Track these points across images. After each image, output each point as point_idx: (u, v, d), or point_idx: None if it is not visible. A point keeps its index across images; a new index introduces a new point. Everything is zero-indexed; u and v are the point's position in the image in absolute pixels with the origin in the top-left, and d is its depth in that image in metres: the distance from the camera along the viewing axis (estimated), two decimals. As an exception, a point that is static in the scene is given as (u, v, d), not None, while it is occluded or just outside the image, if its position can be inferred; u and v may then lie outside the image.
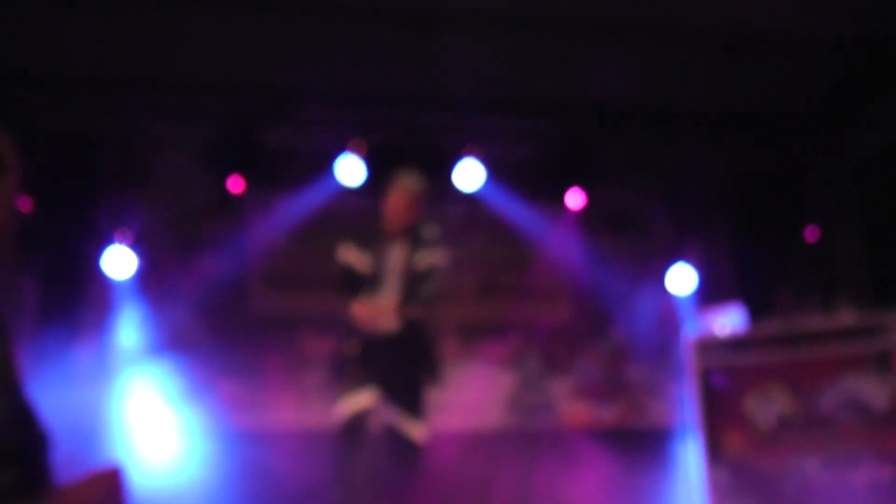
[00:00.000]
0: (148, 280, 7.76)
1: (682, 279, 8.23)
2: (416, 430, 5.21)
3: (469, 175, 7.83)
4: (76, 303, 7.68)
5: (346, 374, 5.25)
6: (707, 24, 6.87)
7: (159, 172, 7.88)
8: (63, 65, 7.31)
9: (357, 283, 5.35)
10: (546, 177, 8.18)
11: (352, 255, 5.46)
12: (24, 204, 7.25)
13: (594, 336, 8.44)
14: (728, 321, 6.93)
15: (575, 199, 8.11)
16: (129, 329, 7.69)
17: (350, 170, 7.61)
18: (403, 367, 5.24)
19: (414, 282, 5.32)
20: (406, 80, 7.45)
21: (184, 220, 7.97)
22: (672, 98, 7.94)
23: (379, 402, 5.20)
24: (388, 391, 5.18)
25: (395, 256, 5.38)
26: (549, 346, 8.37)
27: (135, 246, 7.60)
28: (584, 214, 8.35)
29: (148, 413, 7.46)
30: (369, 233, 5.50)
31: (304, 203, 7.81)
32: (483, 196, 8.09)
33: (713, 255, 8.39)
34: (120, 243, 7.53)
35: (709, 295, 7.99)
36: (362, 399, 5.19)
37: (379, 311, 5.21)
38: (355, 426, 5.16)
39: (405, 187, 5.43)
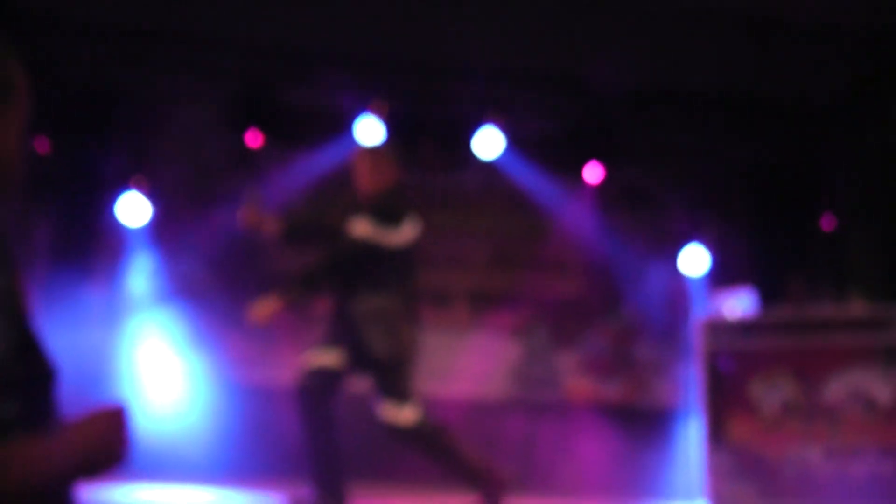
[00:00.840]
0: (162, 230, 7.86)
1: (695, 260, 8.25)
2: (403, 415, 4.86)
3: (488, 143, 7.85)
4: (89, 247, 7.81)
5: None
6: (735, 7, 6.81)
7: (177, 125, 7.93)
8: (86, 14, 7.32)
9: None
10: (565, 150, 8.18)
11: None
12: (42, 145, 7.38)
13: (604, 312, 8.47)
14: (738, 305, 6.92)
15: (593, 173, 8.14)
16: (140, 276, 7.82)
17: (369, 130, 7.61)
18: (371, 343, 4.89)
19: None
20: (429, 46, 7.44)
21: (200, 172, 8.05)
22: (695, 80, 7.89)
23: (348, 371, 4.93)
24: (360, 367, 4.93)
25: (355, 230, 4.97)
26: (558, 319, 8.40)
27: (150, 195, 7.70)
28: (601, 190, 8.39)
29: (155, 358, 7.60)
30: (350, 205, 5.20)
31: (321, 161, 7.81)
32: (501, 166, 8.11)
33: (727, 239, 8.39)
34: (135, 191, 7.63)
35: (721, 278, 8.00)
36: (328, 358, 4.93)
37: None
38: (324, 386, 4.87)
39: (365, 150, 5.26)
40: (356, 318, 4.84)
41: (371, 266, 4.91)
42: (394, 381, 4.82)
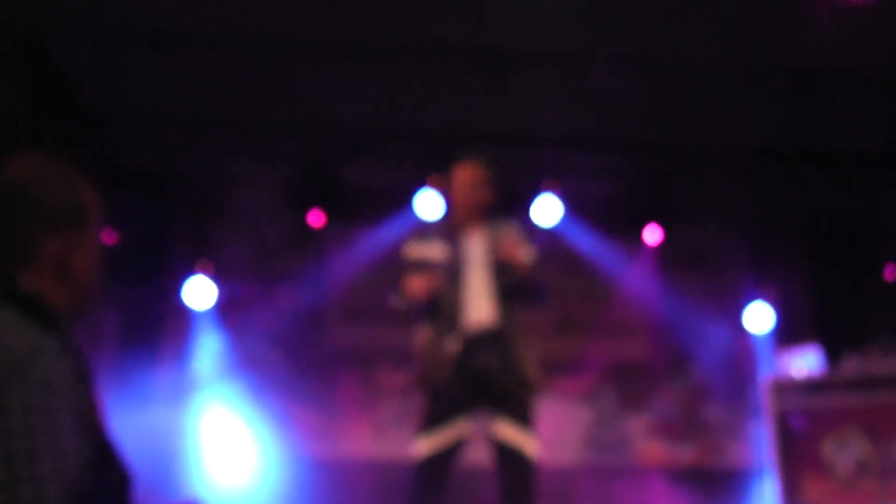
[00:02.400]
0: (227, 311, 8.00)
1: (758, 318, 8.22)
2: (530, 444, 4.47)
3: (546, 210, 7.91)
4: (156, 332, 7.95)
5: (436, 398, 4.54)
6: (783, 61, 6.86)
7: (239, 208, 8.16)
8: (149, 104, 7.53)
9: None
10: (623, 213, 8.23)
11: (420, 249, 4.74)
12: (109, 237, 7.53)
13: (671, 374, 8.46)
14: (805, 362, 6.97)
15: (652, 235, 8.16)
16: (207, 355, 7.95)
17: (429, 204, 7.65)
18: (506, 368, 4.49)
19: (502, 272, 4.53)
20: (482, 117, 7.56)
21: (263, 253, 8.25)
22: (748, 135, 7.93)
23: (473, 427, 4.55)
24: (493, 397, 4.46)
25: (474, 246, 4.65)
26: (625, 383, 8.41)
27: (215, 278, 7.84)
28: (661, 251, 8.43)
29: (224, 436, 7.71)
30: (436, 230, 4.85)
31: (382, 237, 7.86)
32: (560, 232, 8.14)
33: (790, 295, 8.35)
34: (200, 275, 7.79)
35: (786, 335, 8.01)
36: (454, 431, 4.48)
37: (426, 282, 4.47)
38: (441, 464, 4.46)
39: (467, 166, 4.75)
40: (504, 337, 4.52)
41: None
42: (528, 409, 4.54)
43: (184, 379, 7.88)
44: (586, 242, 8.27)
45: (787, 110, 7.45)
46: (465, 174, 4.75)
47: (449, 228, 4.80)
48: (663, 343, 8.46)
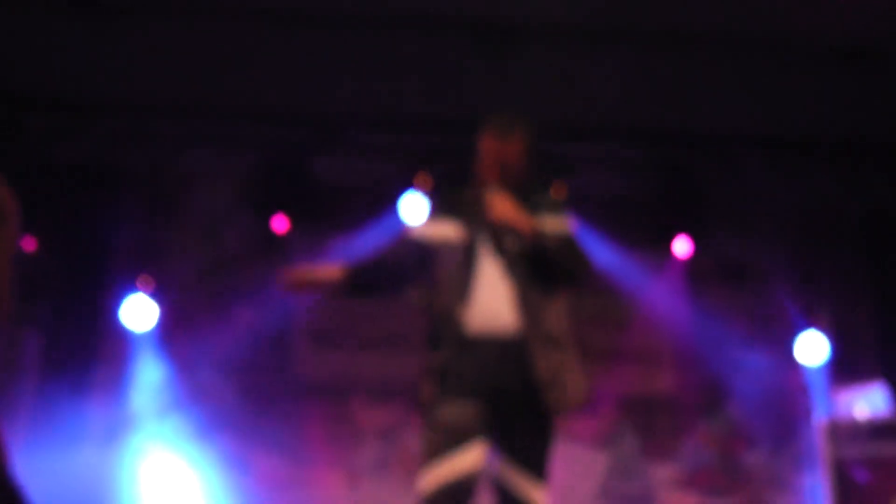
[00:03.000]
0: (173, 333, 7.37)
1: (811, 347, 7.44)
2: (537, 496, 3.61)
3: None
4: (87, 356, 7.25)
5: (434, 413, 3.64)
6: (834, 38, 6.35)
7: (191, 209, 7.61)
8: (84, 88, 7.05)
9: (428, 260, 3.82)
10: (646, 217, 7.68)
11: (427, 227, 3.92)
12: (28, 243, 7.04)
13: (702, 412, 7.68)
14: (869, 402, 6.73)
15: (681, 244, 7.58)
16: (146, 386, 7.28)
17: (416, 207, 7.15)
18: (525, 396, 3.59)
19: (527, 258, 3.68)
20: (478, 101, 6.79)
21: (218, 264, 7.60)
22: (795, 125, 7.32)
23: (487, 454, 3.65)
24: (501, 432, 3.62)
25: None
26: (648, 423, 7.65)
27: (158, 294, 7.24)
28: (692, 263, 7.76)
29: (166, 483, 7.17)
30: (454, 202, 3.95)
31: (358, 245, 7.20)
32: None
33: (849, 319, 7.61)
34: (140, 291, 7.18)
35: (845, 368, 7.35)
36: (467, 459, 3.54)
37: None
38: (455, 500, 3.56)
39: (495, 127, 3.86)
40: (527, 347, 3.58)
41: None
42: (545, 447, 3.66)
43: (119, 414, 7.19)
44: (601, 252, 7.56)
45: (837, 95, 6.91)
46: (491, 136, 3.88)
47: (472, 206, 3.84)
48: (693, 375, 7.70)
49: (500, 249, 3.66)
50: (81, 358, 7.14)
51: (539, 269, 3.62)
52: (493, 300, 3.62)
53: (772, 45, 6.42)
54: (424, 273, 3.78)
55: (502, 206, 3.59)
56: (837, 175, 7.60)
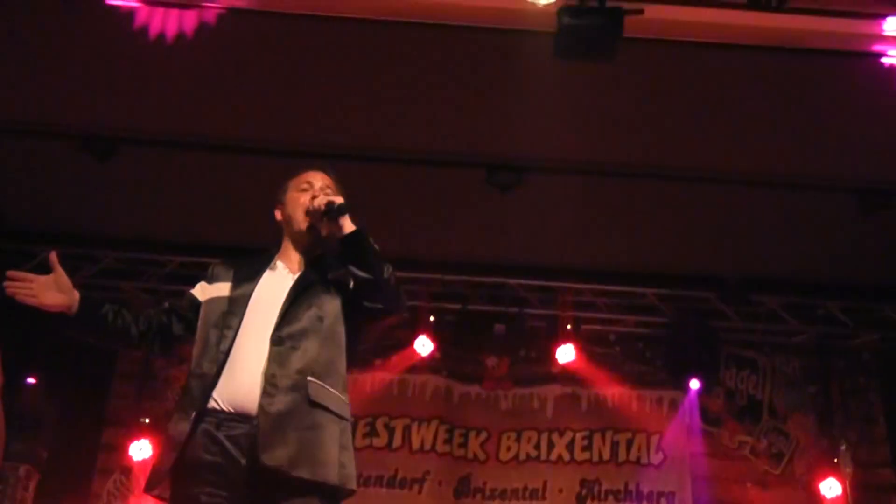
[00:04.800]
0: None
1: (831, 490, 7.01)
2: None
3: (566, 351, 7.16)
4: (83, 495, 6.97)
5: None
6: (847, 182, 6.08)
7: (191, 346, 6.92)
8: (85, 221, 6.89)
9: None
10: (659, 356, 7.46)
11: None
12: (28, 378, 6.81)
13: None
14: None
15: (696, 383, 7.35)
16: None
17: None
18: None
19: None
20: (486, 241, 6.84)
21: None
22: (807, 265, 7.10)
23: None
24: None
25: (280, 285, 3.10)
26: None
27: (156, 431, 6.78)
28: (706, 402, 7.51)
29: None
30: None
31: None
32: (584, 376, 7.41)
33: (870, 460, 7.26)
34: (138, 428, 6.91)
35: None
36: None
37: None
38: None
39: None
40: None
41: None
42: None
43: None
44: (614, 391, 7.48)
45: (853, 236, 6.69)
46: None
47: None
48: None
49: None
50: (78, 496, 6.86)
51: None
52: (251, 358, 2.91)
53: (786, 189, 6.25)
54: None
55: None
56: (855, 314, 7.34)
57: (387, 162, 6.03)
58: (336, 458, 2.79)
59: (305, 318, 2.91)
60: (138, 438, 6.84)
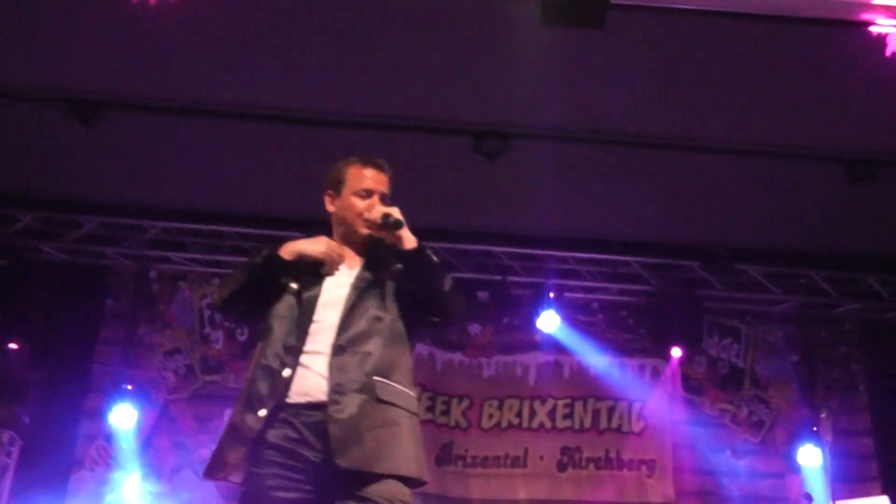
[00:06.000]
0: (153, 438, 7.09)
1: (810, 457, 7.14)
2: None
3: (550, 318, 7.15)
4: (67, 460, 6.96)
5: None
6: (833, 152, 6.11)
7: (175, 312, 7.40)
8: (71, 186, 6.87)
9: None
10: (643, 324, 7.53)
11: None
12: (12, 343, 6.78)
13: None
14: None
15: (678, 351, 7.39)
16: (127, 491, 6.91)
17: None
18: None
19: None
20: (472, 208, 6.86)
21: (203, 367, 7.34)
22: (792, 235, 7.16)
23: None
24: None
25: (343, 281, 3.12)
26: None
27: (141, 397, 6.96)
28: (688, 371, 7.59)
29: None
30: None
31: None
32: (563, 346, 7.39)
33: (850, 429, 7.40)
34: (122, 395, 6.86)
35: (845, 479, 7.01)
36: None
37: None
38: None
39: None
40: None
41: None
42: None
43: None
44: (596, 359, 7.50)
45: (837, 206, 6.75)
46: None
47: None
48: (690, 482, 7.40)
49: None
50: (61, 462, 6.86)
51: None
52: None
53: (772, 158, 6.22)
54: None
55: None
56: (838, 284, 7.39)
57: (371, 128, 5.94)
58: (413, 451, 2.87)
59: (364, 321, 2.95)
60: (121, 404, 6.78)
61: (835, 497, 6.70)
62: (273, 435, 2.86)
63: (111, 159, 6.43)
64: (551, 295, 7.15)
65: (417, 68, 5.49)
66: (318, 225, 6.91)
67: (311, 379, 2.89)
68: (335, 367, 2.88)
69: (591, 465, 7.37)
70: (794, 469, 7.29)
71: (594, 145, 6.15)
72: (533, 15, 4.45)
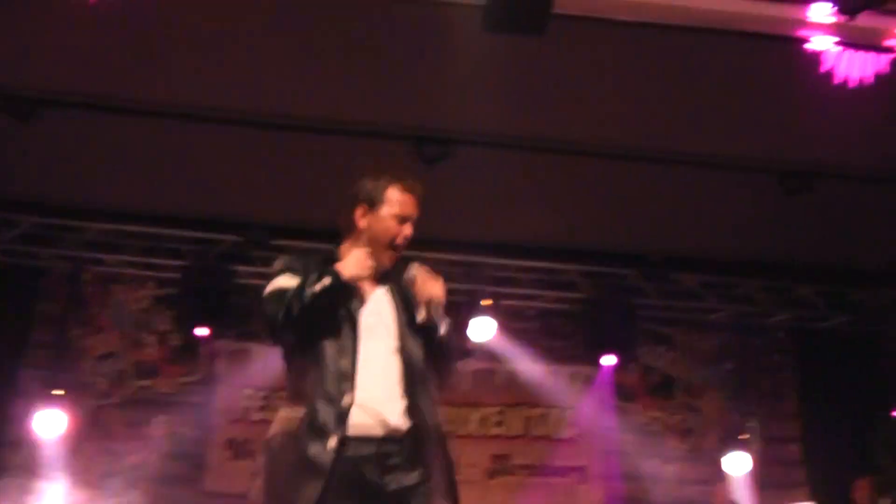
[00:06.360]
0: (83, 444, 6.93)
1: (738, 464, 7.21)
2: None
3: (484, 326, 7.08)
4: None
5: None
6: (769, 163, 6.15)
7: (109, 315, 7.31)
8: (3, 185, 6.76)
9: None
10: (577, 332, 7.54)
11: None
12: None
13: None
14: None
15: (610, 359, 7.39)
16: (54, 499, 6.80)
17: None
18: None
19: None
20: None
21: (135, 372, 7.24)
22: (727, 245, 7.21)
23: None
24: None
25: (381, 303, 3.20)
26: None
27: (71, 401, 6.75)
28: (621, 378, 7.65)
29: None
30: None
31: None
32: (499, 352, 7.36)
33: (777, 435, 7.57)
34: (51, 400, 6.69)
35: (772, 485, 7.22)
36: None
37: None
38: None
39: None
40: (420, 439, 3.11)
41: None
42: None
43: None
44: (529, 367, 7.49)
45: (772, 217, 6.82)
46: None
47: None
48: (622, 492, 7.48)
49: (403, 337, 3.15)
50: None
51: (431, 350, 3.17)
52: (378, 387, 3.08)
53: (708, 168, 6.24)
54: None
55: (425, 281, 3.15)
56: (771, 295, 7.52)
57: (310, 131, 5.92)
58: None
59: (412, 362, 3.07)
60: (49, 410, 6.61)
61: (762, 503, 6.86)
62: (341, 464, 2.92)
63: (48, 158, 6.26)
64: (488, 302, 7.08)
65: (359, 72, 5.41)
66: (255, 227, 6.91)
67: (369, 407, 2.96)
68: (405, 374, 3.03)
69: (522, 472, 7.40)
70: (722, 476, 7.28)
71: (533, 153, 6.11)
72: (475, 21, 4.47)
